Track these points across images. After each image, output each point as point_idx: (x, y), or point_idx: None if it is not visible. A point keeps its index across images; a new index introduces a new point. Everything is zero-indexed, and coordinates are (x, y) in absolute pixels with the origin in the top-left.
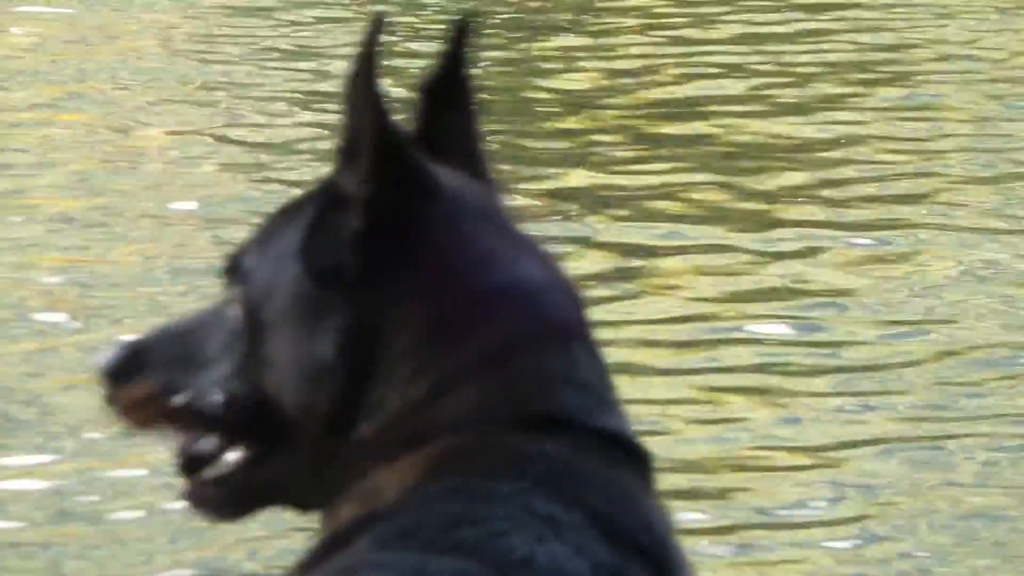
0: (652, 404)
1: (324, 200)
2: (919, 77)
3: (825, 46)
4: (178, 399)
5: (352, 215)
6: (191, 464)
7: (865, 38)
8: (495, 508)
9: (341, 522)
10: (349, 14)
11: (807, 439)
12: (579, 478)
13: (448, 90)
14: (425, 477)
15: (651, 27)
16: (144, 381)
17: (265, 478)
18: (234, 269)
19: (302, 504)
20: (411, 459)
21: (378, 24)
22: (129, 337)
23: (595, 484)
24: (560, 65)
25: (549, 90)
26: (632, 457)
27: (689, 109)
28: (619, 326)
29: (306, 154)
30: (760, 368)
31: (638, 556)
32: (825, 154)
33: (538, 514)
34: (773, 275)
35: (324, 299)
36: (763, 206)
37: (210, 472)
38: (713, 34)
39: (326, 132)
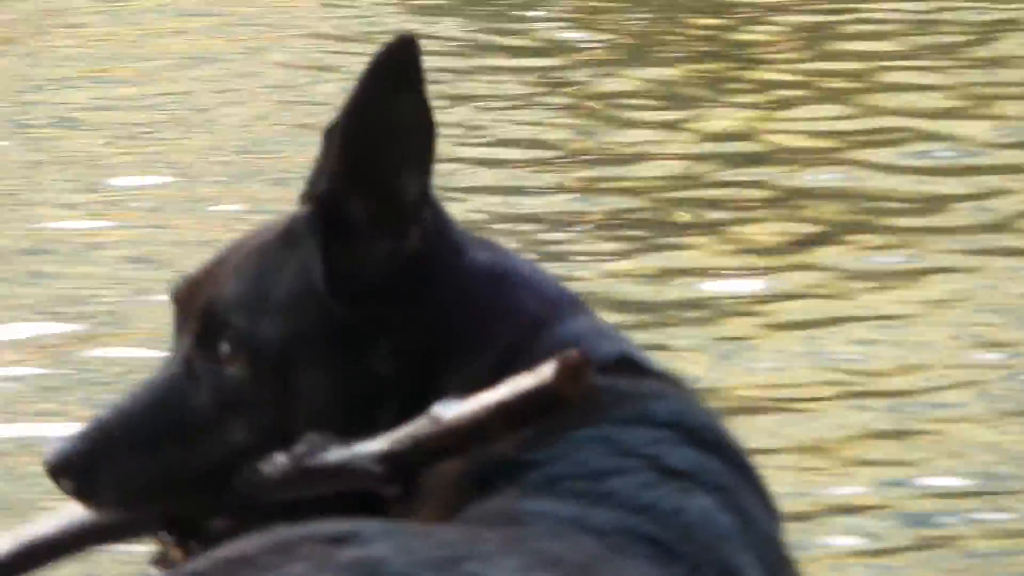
0: None
1: (322, 232)
2: None
3: None
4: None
5: (404, 239)
6: None
7: None
8: (634, 459)
9: (448, 476)
10: None
11: None
12: (686, 416)
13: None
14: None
15: None
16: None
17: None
18: (216, 326)
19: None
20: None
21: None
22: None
23: (697, 416)
24: None
25: None
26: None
27: None
28: None
29: None
30: None
31: (746, 479)
32: None
33: (674, 461)
34: None
35: (364, 324)
36: None
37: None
38: None
39: None
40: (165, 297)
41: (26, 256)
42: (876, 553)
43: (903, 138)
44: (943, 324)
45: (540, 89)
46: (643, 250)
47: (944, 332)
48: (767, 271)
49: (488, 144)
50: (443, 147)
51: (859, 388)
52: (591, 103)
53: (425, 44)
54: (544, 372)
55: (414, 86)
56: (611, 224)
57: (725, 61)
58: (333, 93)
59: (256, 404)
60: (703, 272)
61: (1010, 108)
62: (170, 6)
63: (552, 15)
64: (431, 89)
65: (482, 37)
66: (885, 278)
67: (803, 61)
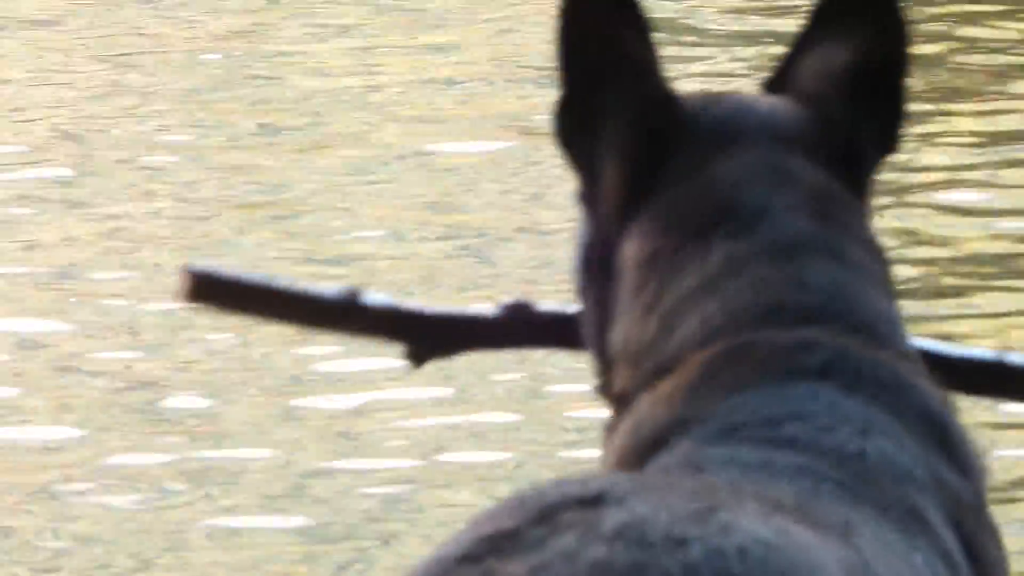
0: None
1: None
2: None
3: None
4: None
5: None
6: None
7: None
8: (808, 404)
9: (620, 451)
10: None
11: None
12: (859, 367)
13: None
14: (700, 389)
15: None
16: None
17: None
18: None
19: None
20: (668, 383)
21: None
22: None
23: (877, 371)
24: None
25: None
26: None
27: None
28: None
29: None
30: None
31: (933, 438)
32: None
33: (846, 408)
34: None
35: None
36: None
37: None
38: None
39: None
40: None
41: None
42: None
43: None
44: None
45: None
46: None
47: None
48: None
49: None
50: None
51: None
52: None
53: None
54: None
55: None
56: None
57: None
58: None
59: None
60: None
61: None
62: None
63: None
64: None
65: None
66: None
67: None
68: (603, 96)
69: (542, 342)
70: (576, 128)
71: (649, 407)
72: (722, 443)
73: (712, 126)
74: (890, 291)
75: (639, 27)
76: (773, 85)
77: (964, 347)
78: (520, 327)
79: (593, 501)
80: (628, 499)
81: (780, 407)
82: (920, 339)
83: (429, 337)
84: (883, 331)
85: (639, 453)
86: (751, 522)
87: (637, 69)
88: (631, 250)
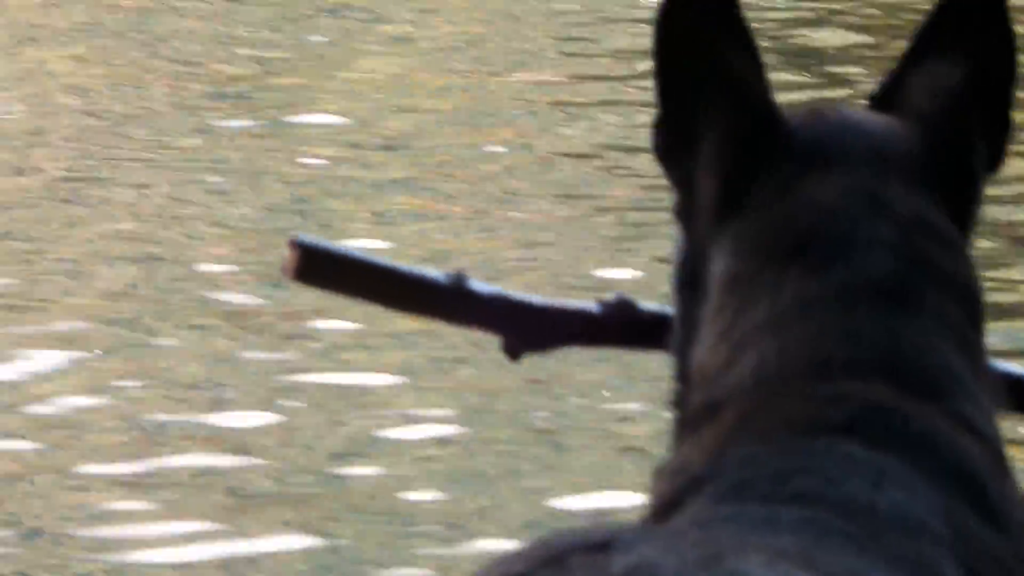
0: None
1: None
2: None
3: None
4: None
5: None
6: None
7: None
8: (820, 458)
9: (661, 496)
10: None
11: None
12: (888, 421)
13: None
14: (729, 441)
15: None
16: None
17: None
18: None
19: None
20: (711, 427)
21: None
22: None
23: (908, 426)
24: None
25: None
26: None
27: None
28: None
29: None
30: None
31: (963, 494)
32: None
33: (862, 461)
34: None
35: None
36: None
37: None
38: None
39: None
40: None
41: None
42: None
43: None
44: None
45: None
46: None
47: None
48: None
49: None
50: None
51: None
52: None
53: None
54: None
55: None
56: None
57: None
58: None
59: None
60: None
61: None
62: None
63: None
64: None
65: None
66: None
67: None
68: (701, 109)
69: (642, 343)
70: (673, 143)
71: (688, 453)
72: (730, 501)
73: (809, 143)
74: (969, 340)
75: (740, 38)
76: (880, 103)
77: None
78: (623, 326)
79: (602, 547)
80: (637, 545)
81: (792, 462)
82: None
83: (531, 330)
84: (940, 386)
85: (667, 507)
86: (758, 568)
87: (736, 82)
88: (717, 270)
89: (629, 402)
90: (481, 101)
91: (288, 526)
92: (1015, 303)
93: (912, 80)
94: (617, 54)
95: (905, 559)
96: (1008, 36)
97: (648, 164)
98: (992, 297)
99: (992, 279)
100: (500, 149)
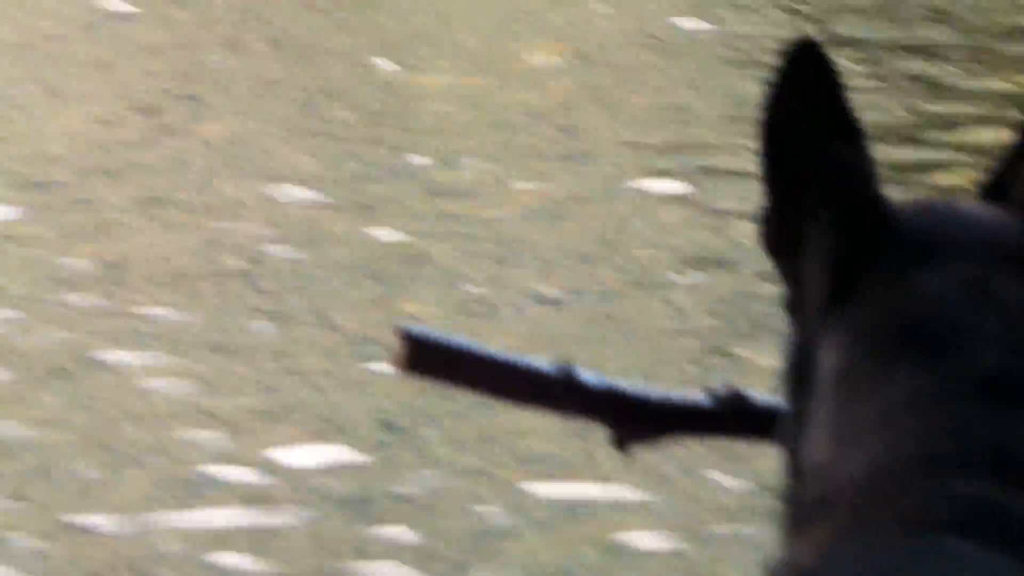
0: None
1: None
2: None
3: None
4: None
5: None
6: None
7: None
8: (930, 556)
9: None
10: None
11: None
12: (998, 519)
13: None
14: (840, 537)
15: None
16: None
17: None
18: None
19: None
20: (822, 523)
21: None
22: None
23: (1018, 523)
24: None
25: None
26: None
27: None
28: None
29: None
30: None
31: None
32: None
33: (971, 559)
34: None
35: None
36: None
37: None
38: None
39: None
40: None
41: None
42: None
43: None
44: None
45: None
46: None
47: None
48: None
49: None
50: None
51: None
52: None
53: None
54: None
55: None
56: None
57: None
58: None
59: None
60: None
61: None
62: None
63: None
64: None
65: None
66: None
67: None
68: (808, 200)
69: (753, 435)
70: (782, 236)
71: (800, 549)
72: None
73: (918, 235)
74: None
75: (846, 127)
76: (990, 193)
77: None
78: (735, 418)
79: None
80: None
81: (901, 559)
82: None
83: (641, 422)
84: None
85: None
86: None
87: (844, 172)
88: (826, 363)
89: None
90: None
91: None
92: None
93: (1021, 171)
94: None
95: None
96: None
97: None
98: None
99: None
100: None
